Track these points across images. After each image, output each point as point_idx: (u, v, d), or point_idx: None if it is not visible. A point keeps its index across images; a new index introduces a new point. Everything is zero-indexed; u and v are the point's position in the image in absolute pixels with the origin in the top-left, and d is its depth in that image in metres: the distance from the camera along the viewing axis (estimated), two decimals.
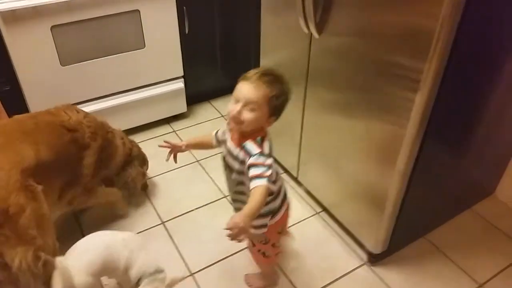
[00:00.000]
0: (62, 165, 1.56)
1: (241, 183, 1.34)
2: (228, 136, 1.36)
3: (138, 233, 1.90)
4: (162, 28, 2.24)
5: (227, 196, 2.11)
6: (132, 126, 2.43)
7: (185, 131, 2.53)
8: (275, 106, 1.24)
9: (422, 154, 1.47)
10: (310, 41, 1.66)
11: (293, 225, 1.96)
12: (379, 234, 1.70)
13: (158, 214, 2.01)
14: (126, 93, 2.33)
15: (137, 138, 2.45)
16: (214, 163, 2.30)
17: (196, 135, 1.57)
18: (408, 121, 1.36)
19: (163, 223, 1.97)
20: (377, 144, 1.53)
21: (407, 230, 1.78)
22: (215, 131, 1.45)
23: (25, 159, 1.40)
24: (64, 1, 1.90)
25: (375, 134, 1.52)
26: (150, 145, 2.41)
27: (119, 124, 2.30)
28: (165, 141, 1.51)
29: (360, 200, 1.72)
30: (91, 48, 2.10)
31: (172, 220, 1.98)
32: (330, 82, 1.65)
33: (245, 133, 1.27)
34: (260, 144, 1.26)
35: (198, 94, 2.67)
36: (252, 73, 1.24)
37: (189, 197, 2.10)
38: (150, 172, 2.19)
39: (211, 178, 2.22)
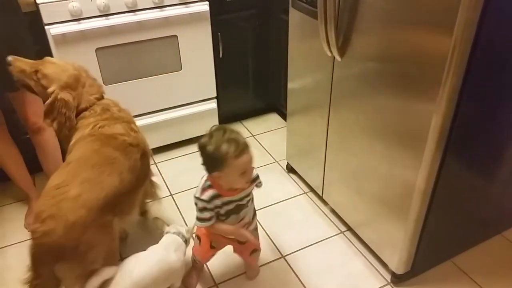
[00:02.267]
0: (140, 181, 1.66)
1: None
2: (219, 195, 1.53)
3: None
4: (198, 52, 2.38)
5: None
6: (167, 143, 2.56)
7: None
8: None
9: (443, 175, 1.48)
10: (333, 65, 1.74)
11: (317, 243, 1.99)
12: (402, 254, 1.70)
13: (186, 225, 2.08)
14: (163, 112, 2.47)
15: (171, 154, 2.58)
16: None
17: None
18: (425, 142, 1.39)
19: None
20: (397, 164, 1.56)
21: (432, 252, 1.77)
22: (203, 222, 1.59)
23: (109, 194, 1.43)
24: (107, 26, 2.08)
25: (395, 154, 1.55)
26: (182, 162, 2.53)
27: (156, 141, 2.44)
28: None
29: (383, 220, 1.73)
30: (132, 69, 2.26)
31: None
32: (352, 104, 1.71)
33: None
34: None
35: (230, 114, 2.78)
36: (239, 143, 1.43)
37: None
38: (179, 187, 2.31)
39: None
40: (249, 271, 1.86)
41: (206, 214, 1.54)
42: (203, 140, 1.44)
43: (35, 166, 2.09)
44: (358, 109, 1.68)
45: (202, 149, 1.43)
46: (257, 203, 2.19)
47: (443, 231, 1.73)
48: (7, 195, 2.28)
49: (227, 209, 1.56)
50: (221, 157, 1.39)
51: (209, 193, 1.51)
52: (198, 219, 1.57)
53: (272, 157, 2.55)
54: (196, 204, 1.54)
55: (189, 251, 1.79)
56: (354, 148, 1.77)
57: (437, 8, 1.23)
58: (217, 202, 1.53)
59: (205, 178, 1.53)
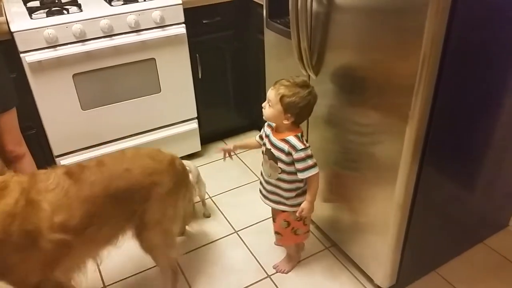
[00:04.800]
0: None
1: (284, 171, 1.62)
2: (269, 132, 1.65)
3: (149, 269, 1.96)
4: (177, 74, 2.39)
5: (238, 231, 2.16)
6: None
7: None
8: (286, 104, 1.51)
9: (420, 187, 1.50)
10: (310, 83, 1.75)
11: (303, 260, 1.98)
12: (386, 268, 1.70)
13: None
14: (143, 134, 2.46)
15: None
16: (226, 199, 2.37)
17: (243, 141, 1.94)
18: (401, 154, 1.41)
19: None
20: (375, 178, 1.58)
21: (416, 264, 1.78)
22: (258, 135, 1.75)
23: None
24: (84, 52, 2.07)
25: (373, 168, 1.57)
26: None
27: None
28: (219, 148, 1.93)
29: (366, 235, 1.74)
30: (110, 94, 2.25)
31: (184, 255, 2.03)
32: (329, 120, 1.73)
33: (280, 128, 1.60)
34: (302, 140, 1.58)
35: (212, 133, 2.78)
36: (282, 80, 1.56)
37: (200, 232, 2.16)
38: None
39: (222, 214, 2.28)
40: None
41: (314, 158, 1.60)
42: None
43: None
44: (335, 126, 1.70)
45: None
46: (241, 223, 2.21)
47: (425, 243, 1.74)
48: None
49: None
50: None
51: (301, 138, 1.58)
52: (316, 164, 1.59)
53: (255, 175, 2.55)
54: (306, 158, 1.56)
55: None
56: (333, 165, 1.78)
57: (405, 26, 1.26)
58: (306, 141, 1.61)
59: (288, 138, 1.57)
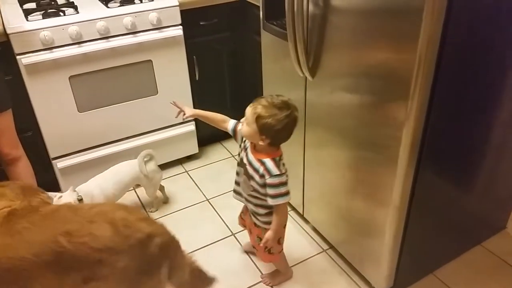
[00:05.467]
0: None
1: (256, 190, 1.57)
2: (249, 146, 1.57)
3: None
4: (174, 76, 2.39)
5: (235, 233, 2.15)
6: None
7: (197, 171, 2.62)
8: (262, 125, 1.44)
9: (417, 189, 1.49)
10: (306, 84, 1.76)
11: (300, 262, 1.97)
12: (384, 271, 1.70)
13: None
14: (140, 136, 2.45)
15: None
16: (223, 201, 2.37)
17: (220, 115, 1.79)
18: (397, 156, 1.40)
19: None
20: (372, 180, 1.57)
21: (413, 266, 1.77)
22: (235, 121, 1.66)
23: None
24: (81, 54, 2.07)
25: (370, 170, 1.56)
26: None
27: None
28: (173, 102, 1.80)
29: (363, 237, 1.73)
30: (107, 96, 2.25)
31: None
32: (326, 122, 1.72)
33: (258, 147, 1.52)
34: (278, 164, 1.50)
35: (209, 135, 2.77)
36: (261, 98, 1.49)
37: (198, 235, 2.15)
38: (159, 212, 2.29)
39: (220, 216, 2.27)
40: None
41: (288, 186, 1.54)
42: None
43: None
44: (332, 127, 1.69)
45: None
46: (238, 225, 2.19)
47: (423, 245, 1.73)
48: None
49: (286, 169, 1.57)
50: None
51: (278, 163, 1.51)
52: (288, 193, 1.53)
53: None
54: (279, 185, 1.49)
55: None
56: (331, 166, 1.78)
57: (400, 28, 1.26)
58: (283, 166, 1.55)
59: (264, 160, 1.50)
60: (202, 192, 2.43)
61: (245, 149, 1.58)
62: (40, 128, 2.16)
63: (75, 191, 1.95)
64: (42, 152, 2.23)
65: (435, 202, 1.64)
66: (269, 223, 1.62)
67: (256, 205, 1.62)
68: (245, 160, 1.57)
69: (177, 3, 2.23)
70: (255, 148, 1.54)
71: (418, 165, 1.44)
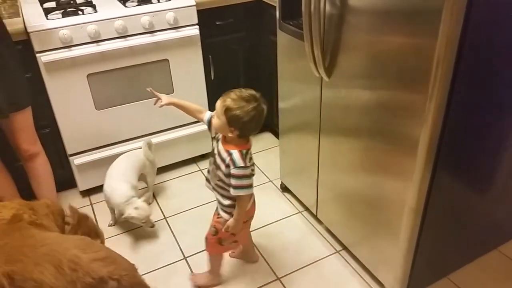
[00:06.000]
0: None
1: (221, 180, 1.60)
2: (220, 137, 1.60)
3: (158, 268, 1.98)
4: (190, 75, 2.40)
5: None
6: (161, 165, 2.56)
7: None
8: (230, 117, 1.47)
9: (434, 191, 1.48)
10: (321, 84, 1.75)
11: (313, 263, 1.97)
12: (397, 273, 1.68)
13: (181, 249, 2.07)
14: (156, 135, 2.47)
15: (165, 177, 2.58)
16: None
17: (196, 105, 1.76)
18: (414, 158, 1.39)
19: (185, 258, 2.03)
20: (388, 183, 1.56)
21: (427, 269, 1.75)
22: (211, 113, 1.65)
23: None
24: (98, 52, 2.10)
25: (385, 171, 1.55)
26: (177, 184, 2.53)
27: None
28: (150, 89, 1.81)
29: (377, 238, 1.72)
30: (124, 94, 2.27)
31: (194, 255, 2.04)
32: (341, 122, 1.71)
33: (228, 138, 1.55)
34: (244, 157, 1.53)
35: None
36: (231, 92, 1.52)
37: None
38: (173, 210, 2.31)
39: None
40: (251, 254, 1.96)
41: (251, 179, 1.57)
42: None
43: (28, 193, 2.08)
44: (348, 127, 1.69)
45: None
46: (251, 224, 2.20)
47: (438, 248, 1.71)
48: None
49: (252, 163, 1.61)
50: None
51: (245, 155, 1.54)
52: (250, 186, 1.57)
53: (267, 177, 2.55)
54: (242, 177, 1.53)
55: None
56: (346, 167, 1.77)
57: (419, 28, 1.25)
58: (250, 160, 1.58)
59: (232, 151, 1.53)
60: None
61: (217, 140, 1.62)
62: (58, 125, 2.19)
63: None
64: (60, 148, 2.27)
65: (451, 205, 1.62)
66: (231, 214, 1.66)
67: (221, 195, 1.65)
68: (215, 150, 1.61)
69: (194, 3, 2.25)
70: (225, 140, 1.57)
71: (435, 167, 1.42)
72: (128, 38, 2.16)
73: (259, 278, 1.91)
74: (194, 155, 2.68)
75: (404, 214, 1.52)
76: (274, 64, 2.11)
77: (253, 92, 1.51)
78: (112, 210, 2.18)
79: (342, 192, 1.85)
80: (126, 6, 2.18)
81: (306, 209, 2.25)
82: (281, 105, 2.14)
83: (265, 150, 2.80)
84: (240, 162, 1.52)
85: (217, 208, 1.73)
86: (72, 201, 2.41)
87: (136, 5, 2.18)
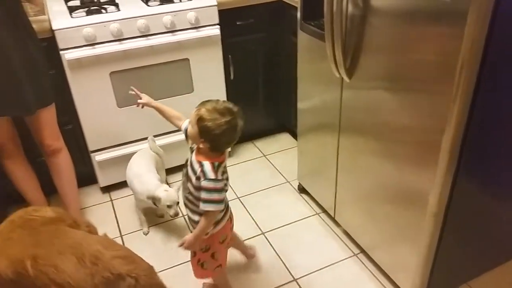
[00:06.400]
0: None
1: (191, 194, 1.53)
2: (194, 148, 1.54)
3: (179, 264, 1.99)
4: (209, 74, 2.42)
5: (265, 232, 2.16)
6: (179, 164, 2.57)
7: (229, 169, 2.60)
8: (201, 127, 1.42)
9: (455, 197, 1.46)
10: (342, 85, 1.74)
11: (330, 265, 1.96)
12: (416, 278, 1.66)
13: None
14: (175, 133, 2.49)
15: (180, 176, 2.59)
16: (254, 200, 2.38)
17: (176, 112, 1.73)
18: (436, 162, 1.37)
19: None
20: (408, 185, 1.54)
21: (447, 275, 1.72)
22: (187, 120, 1.59)
23: None
24: (121, 51, 2.13)
25: (406, 176, 1.54)
26: None
27: (168, 161, 2.45)
28: (132, 88, 1.79)
29: (396, 242, 1.70)
30: (145, 92, 2.27)
31: None
32: (362, 124, 1.70)
33: (201, 151, 1.49)
34: (216, 170, 1.46)
35: (242, 134, 2.75)
36: (207, 102, 1.47)
37: None
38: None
39: (250, 214, 2.28)
40: (247, 250, 1.93)
41: (224, 194, 1.51)
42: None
43: (50, 188, 2.13)
44: (368, 129, 1.67)
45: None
46: (268, 224, 2.20)
47: (458, 254, 1.69)
48: None
49: (227, 178, 1.54)
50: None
51: (217, 168, 1.46)
52: (220, 201, 1.49)
53: (284, 177, 2.55)
54: (212, 190, 1.45)
55: None
56: (365, 169, 1.75)
57: (443, 31, 1.23)
58: (223, 174, 1.51)
59: (204, 162, 1.46)
60: (233, 190, 2.45)
61: (192, 151, 1.56)
62: (80, 122, 2.23)
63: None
64: (81, 145, 2.31)
65: (473, 211, 1.59)
66: (207, 233, 1.58)
67: (191, 210, 1.57)
68: (188, 161, 1.55)
69: (215, 3, 2.26)
70: (198, 151, 1.51)
71: (457, 171, 1.40)
72: (150, 37, 2.18)
73: (275, 278, 1.91)
74: None
75: (424, 219, 1.50)
76: (294, 65, 2.10)
77: (229, 105, 1.45)
78: (143, 211, 2.18)
79: (361, 195, 1.84)
80: (148, 5, 2.20)
81: (324, 211, 2.24)
82: (300, 105, 2.14)
83: (283, 151, 2.80)
84: (211, 175, 1.44)
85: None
86: (93, 197, 2.45)
87: (159, 5, 2.21)
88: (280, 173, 2.59)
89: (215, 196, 1.46)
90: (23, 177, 2.06)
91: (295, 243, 2.09)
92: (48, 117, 1.92)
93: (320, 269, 1.95)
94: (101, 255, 1.20)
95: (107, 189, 2.49)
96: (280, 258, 2.01)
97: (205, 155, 1.47)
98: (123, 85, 2.23)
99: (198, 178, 1.46)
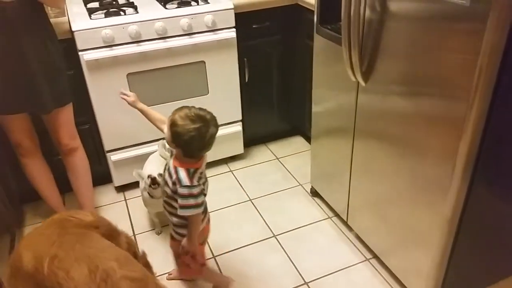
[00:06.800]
0: None
1: (169, 196, 1.57)
2: (173, 154, 1.57)
3: None
4: (224, 77, 2.43)
5: (277, 235, 2.16)
6: None
7: (241, 171, 2.65)
8: (173, 132, 1.45)
9: (470, 203, 1.45)
10: (357, 89, 1.74)
11: (342, 270, 1.95)
12: (429, 285, 1.65)
13: (210, 248, 2.10)
14: None
15: None
16: (266, 203, 2.39)
17: (160, 115, 1.71)
18: (452, 168, 1.36)
19: (214, 257, 2.05)
20: (423, 191, 1.53)
21: (460, 283, 1.70)
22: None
23: None
24: (139, 52, 2.15)
25: (420, 180, 1.53)
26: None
27: None
28: (121, 90, 1.82)
29: (409, 248, 1.70)
30: (161, 94, 2.32)
31: (222, 255, 2.06)
32: (376, 128, 1.70)
33: (177, 156, 1.52)
34: (192, 176, 1.49)
35: (255, 136, 2.80)
36: (184, 107, 1.49)
37: (240, 234, 2.18)
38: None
39: (262, 217, 2.29)
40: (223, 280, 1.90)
41: (202, 198, 1.54)
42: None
43: (66, 186, 2.16)
44: (383, 134, 1.67)
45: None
46: (280, 227, 2.20)
47: (472, 261, 1.67)
48: (38, 214, 2.35)
49: (204, 182, 1.57)
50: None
51: (192, 174, 1.49)
52: (198, 205, 1.51)
53: (297, 180, 2.55)
54: (188, 196, 1.49)
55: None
56: (379, 173, 1.75)
57: (462, 35, 1.23)
58: (199, 179, 1.53)
59: (178, 168, 1.50)
60: (246, 192, 2.46)
61: (171, 155, 1.59)
62: (97, 122, 2.26)
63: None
64: (97, 144, 2.35)
65: (488, 218, 1.57)
66: (181, 235, 1.63)
67: (169, 212, 1.61)
68: (167, 165, 1.59)
69: (232, 6, 2.28)
70: (175, 156, 1.53)
71: (472, 178, 1.39)
72: (167, 39, 2.20)
73: (286, 282, 1.91)
74: (225, 156, 2.70)
75: (439, 224, 1.49)
76: (309, 68, 2.11)
77: (203, 113, 1.47)
78: (155, 215, 2.19)
79: (375, 199, 1.83)
80: (166, 8, 2.23)
81: (336, 214, 2.24)
82: (314, 109, 2.14)
83: (296, 154, 2.80)
84: (185, 181, 1.47)
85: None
86: (107, 196, 2.48)
87: (176, 7, 2.23)
88: (293, 176, 2.60)
89: (191, 201, 1.49)
90: (40, 175, 2.10)
91: (306, 246, 2.09)
92: (65, 117, 1.95)
93: (332, 273, 1.94)
94: (113, 273, 1.19)
95: (122, 189, 2.52)
96: (292, 261, 2.01)
97: (180, 160, 1.51)
98: (140, 86, 2.26)
99: (174, 184, 1.51)
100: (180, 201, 1.50)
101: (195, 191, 1.50)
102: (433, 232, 1.53)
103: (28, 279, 1.24)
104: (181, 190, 1.48)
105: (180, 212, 1.52)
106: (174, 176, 1.50)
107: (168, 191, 1.55)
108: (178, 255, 1.73)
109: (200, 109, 1.49)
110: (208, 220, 1.72)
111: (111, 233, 1.45)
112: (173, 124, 1.45)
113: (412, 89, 1.46)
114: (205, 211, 1.65)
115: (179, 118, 1.44)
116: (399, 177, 1.63)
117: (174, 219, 1.61)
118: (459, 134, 1.31)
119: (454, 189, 1.40)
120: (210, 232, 1.78)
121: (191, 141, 1.44)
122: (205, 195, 1.58)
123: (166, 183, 1.56)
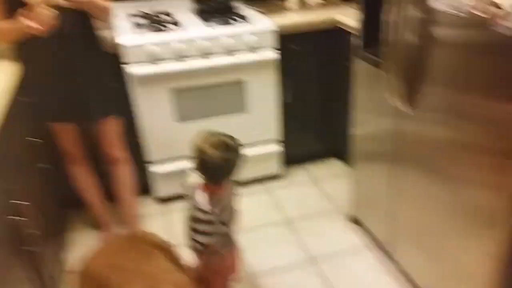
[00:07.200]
0: None
1: (192, 216, 1.54)
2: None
3: None
4: (263, 96, 2.45)
5: (314, 259, 2.11)
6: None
7: (278, 192, 2.63)
8: (197, 158, 1.46)
9: None
10: (399, 115, 1.70)
11: None
12: None
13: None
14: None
15: None
16: (304, 224, 2.35)
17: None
18: (502, 203, 1.30)
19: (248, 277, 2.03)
20: (470, 226, 1.46)
21: None
22: None
23: None
24: (185, 70, 2.21)
25: (468, 214, 1.46)
26: (244, 202, 2.54)
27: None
28: None
29: (455, 285, 1.61)
30: (202, 109, 2.37)
31: (256, 276, 2.03)
32: (416, 156, 1.65)
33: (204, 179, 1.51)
34: (213, 203, 1.48)
35: (293, 157, 2.78)
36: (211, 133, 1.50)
37: (272, 256, 2.15)
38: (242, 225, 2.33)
39: (298, 239, 2.26)
40: None
41: (215, 228, 1.53)
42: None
43: (112, 195, 2.24)
44: (429, 167, 1.60)
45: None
46: (316, 251, 2.14)
47: None
48: (81, 220, 2.42)
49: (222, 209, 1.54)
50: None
51: (213, 201, 1.49)
52: (206, 233, 1.51)
53: (334, 204, 2.49)
54: (202, 222, 1.49)
55: None
56: (421, 204, 1.68)
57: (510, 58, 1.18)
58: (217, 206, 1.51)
59: (200, 191, 1.50)
60: (282, 213, 2.44)
61: None
62: (140, 133, 2.33)
63: None
64: (140, 155, 2.41)
65: None
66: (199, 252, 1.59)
67: (193, 229, 1.57)
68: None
69: (274, 28, 2.30)
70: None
71: None
72: (209, 57, 2.25)
73: None
74: (262, 175, 2.69)
75: (485, 263, 1.42)
76: (349, 91, 2.09)
77: (228, 139, 1.47)
78: None
79: (419, 230, 1.75)
80: (209, 27, 2.28)
81: (377, 243, 2.14)
82: (354, 132, 2.11)
83: (333, 177, 2.74)
84: (204, 206, 1.48)
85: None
86: (148, 207, 2.52)
87: (219, 26, 2.28)
88: (330, 199, 2.55)
89: (204, 227, 1.50)
90: (85, 183, 2.18)
91: (344, 274, 2.02)
92: (111, 128, 2.03)
93: None
94: None
95: (162, 201, 2.56)
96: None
97: (205, 184, 1.52)
98: (183, 101, 2.31)
99: (195, 206, 1.52)
100: (194, 224, 1.52)
101: (212, 218, 1.49)
102: (480, 269, 1.46)
103: (92, 282, 1.30)
104: (197, 214, 1.50)
105: (192, 235, 1.54)
106: (196, 198, 1.52)
107: (193, 210, 1.56)
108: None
109: (225, 135, 1.50)
110: (235, 254, 1.68)
111: (174, 260, 1.48)
112: (197, 151, 1.46)
113: (456, 121, 1.41)
114: (227, 241, 1.63)
115: (203, 144, 1.46)
116: (447, 209, 1.56)
117: (199, 237, 1.57)
118: (510, 169, 1.25)
119: (504, 227, 1.33)
120: (240, 268, 1.73)
121: (215, 168, 1.46)
122: (221, 223, 1.55)
123: (192, 201, 1.57)
